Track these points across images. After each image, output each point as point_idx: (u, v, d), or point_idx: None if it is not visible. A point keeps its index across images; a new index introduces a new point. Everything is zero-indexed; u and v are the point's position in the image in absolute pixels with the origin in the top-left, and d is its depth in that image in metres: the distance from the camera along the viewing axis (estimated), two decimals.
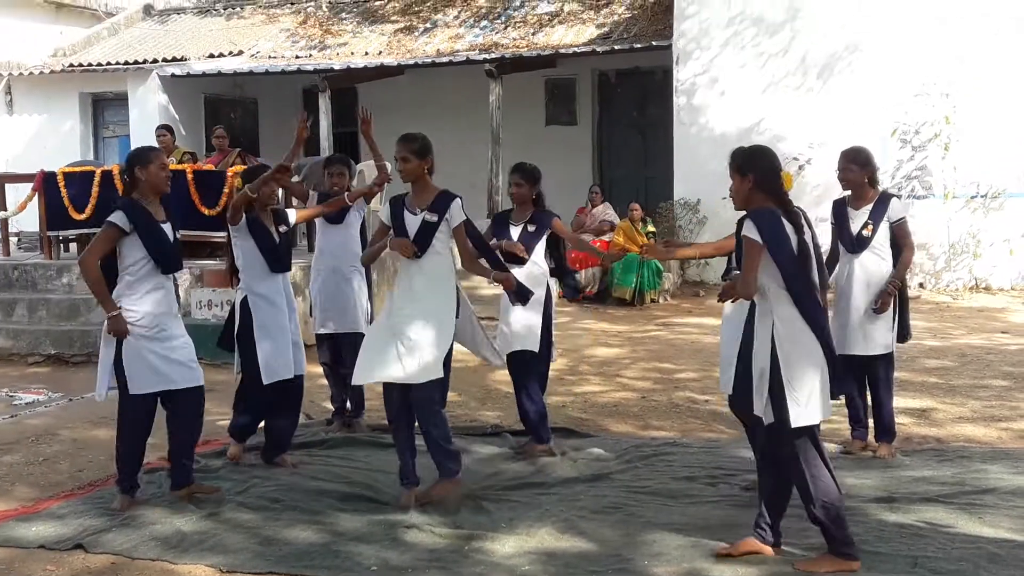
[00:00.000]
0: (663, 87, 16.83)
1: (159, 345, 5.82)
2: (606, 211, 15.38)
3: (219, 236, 11.49)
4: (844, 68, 15.05)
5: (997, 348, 10.39)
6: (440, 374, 5.87)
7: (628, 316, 13.15)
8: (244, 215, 6.49)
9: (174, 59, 18.79)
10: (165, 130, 13.15)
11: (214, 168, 12.18)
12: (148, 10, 22.48)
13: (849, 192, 6.82)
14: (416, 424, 5.99)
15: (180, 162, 12.48)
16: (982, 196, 14.33)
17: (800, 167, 14.84)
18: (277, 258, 6.59)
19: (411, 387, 5.83)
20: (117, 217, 5.73)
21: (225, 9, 22.67)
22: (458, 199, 5.95)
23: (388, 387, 5.93)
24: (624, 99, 18.72)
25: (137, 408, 5.88)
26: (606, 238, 14.56)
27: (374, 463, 6.81)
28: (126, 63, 18.76)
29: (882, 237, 6.67)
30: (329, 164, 7.83)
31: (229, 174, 11.60)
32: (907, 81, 14.60)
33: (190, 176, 11.66)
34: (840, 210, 6.84)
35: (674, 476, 6.35)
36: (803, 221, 4.95)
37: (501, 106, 16.57)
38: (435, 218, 5.88)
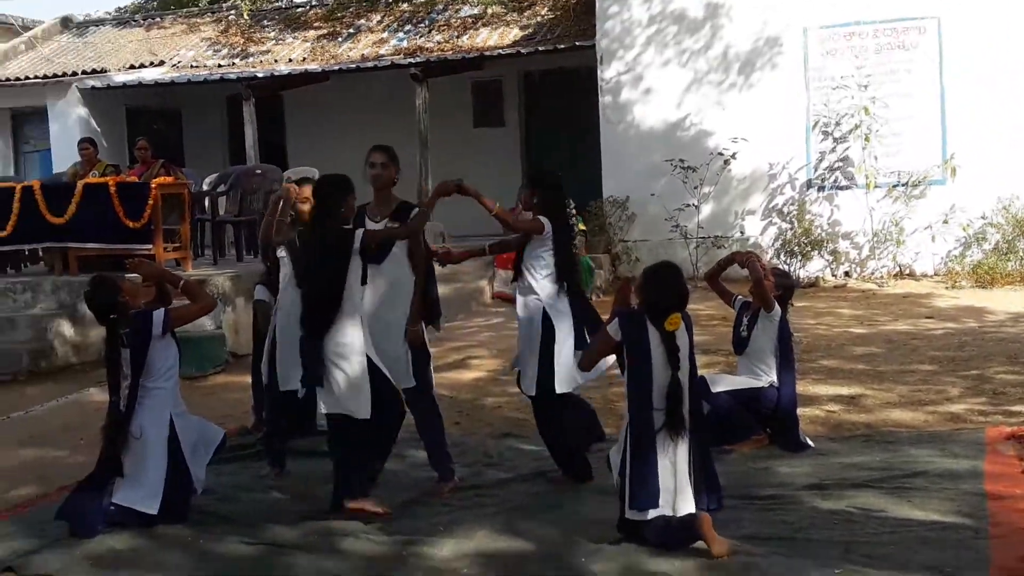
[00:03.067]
0: (588, 86, 16.90)
1: None
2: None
3: (144, 249, 11.35)
4: (765, 63, 15.23)
5: (922, 333, 10.59)
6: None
7: None
8: None
9: (94, 71, 18.49)
10: (88, 143, 12.95)
11: (138, 180, 12.00)
12: (66, 23, 22.07)
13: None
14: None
15: (103, 175, 12.29)
16: (903, 184, 14.58)
17: (725, 162, 15.00)
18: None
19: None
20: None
21: (144, 19, 22.40)
22: (418, 208, 6.15)
23: None
24: (550, 99, 18.76)
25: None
26: None
27: (306, 472, 6.75)
28: (45, 77, 18.43)
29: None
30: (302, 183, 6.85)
31: (152, 185, 11.45)
32: (826, 73, 14.83)
33: (113, 189, 11.48)
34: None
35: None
36: None
37: (428, 110, 16.55)
38: (397, 226, 6.04)
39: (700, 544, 4.88)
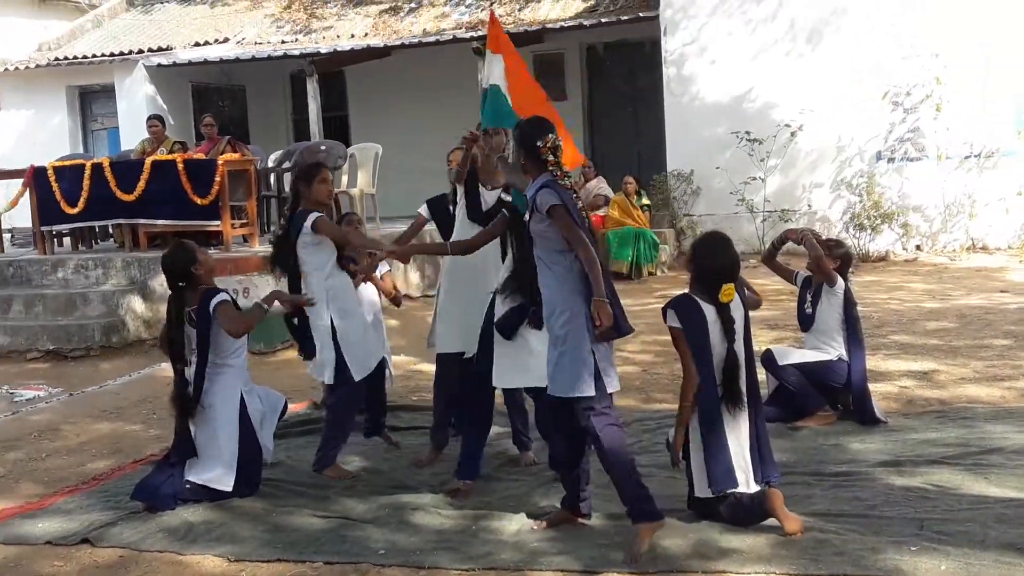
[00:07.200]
0: (652, 58, 16.75)
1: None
2: (600, 185, 15.34)
3: (212, 225, 11.47)
4: (832, 32, 14.99)
5: (997, 308, 10.38)
6: None
7: (626, 290, 13.09)
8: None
9: (159, 49, 18.69)
10: (156, 120, 13.10)
11: (204, 157, 12.12)
12: (131, 0, 22.32)
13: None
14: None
15: (170, 152, 12.42)
16: (976, 156, 14.30)
17: (792, 133, 14.80)
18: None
19: None
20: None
21: None
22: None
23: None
24: (613, 72, 18.62)
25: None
26: (601, 212, 14.52)
27: (378, 446, 6.80)
28: (112, 55, 18.65)
29: None
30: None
31: (219, 162, 11.55)
32: (896, 43, 14.55)
33: (181, 166, 11.59)
34: None
35: None
36: None
37: None
38: (508, 197, 5.88)
39: (772, 521, 4.84)
